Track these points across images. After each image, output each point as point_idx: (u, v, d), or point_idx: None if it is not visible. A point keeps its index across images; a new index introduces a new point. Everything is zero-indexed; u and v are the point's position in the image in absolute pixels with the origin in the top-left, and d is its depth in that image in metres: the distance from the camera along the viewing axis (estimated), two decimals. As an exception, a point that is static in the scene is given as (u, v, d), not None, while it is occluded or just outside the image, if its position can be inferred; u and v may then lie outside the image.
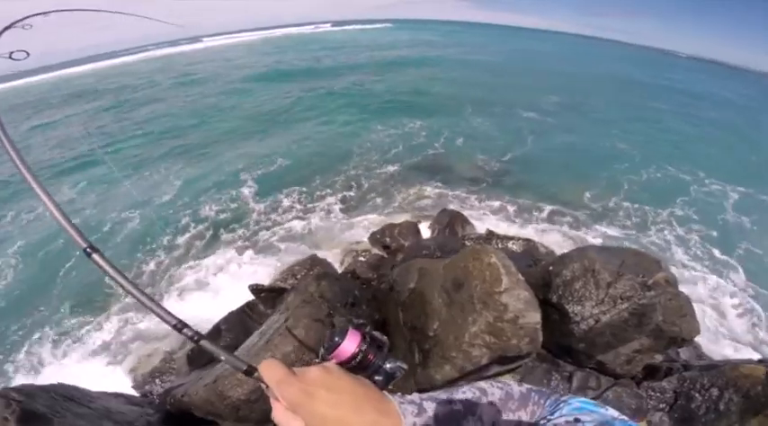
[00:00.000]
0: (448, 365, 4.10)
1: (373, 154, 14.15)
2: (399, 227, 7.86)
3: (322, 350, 0.75)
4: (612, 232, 10.27)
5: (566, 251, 6.14)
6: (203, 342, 0.74)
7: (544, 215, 10.46)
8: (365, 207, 10.37)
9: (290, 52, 47.35)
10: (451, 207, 9.42)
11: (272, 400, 0.68)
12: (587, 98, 26.13)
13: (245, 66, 38.31)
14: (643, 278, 4.48)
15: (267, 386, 0.69)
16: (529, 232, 9.21)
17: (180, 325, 0.73)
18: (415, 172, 12.48)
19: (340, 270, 7.12)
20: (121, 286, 0.69)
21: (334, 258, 7.49)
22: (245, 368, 0.71)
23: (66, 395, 2.91)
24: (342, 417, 0.61)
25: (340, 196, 11.09)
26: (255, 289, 6.35)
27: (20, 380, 6.62)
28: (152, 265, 9.09)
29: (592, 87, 31.29)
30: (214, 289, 7.83)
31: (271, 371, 0.68)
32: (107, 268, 0.70)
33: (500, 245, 7.63)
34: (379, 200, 10.63)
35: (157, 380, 5.39)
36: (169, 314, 0.73)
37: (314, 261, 6.99)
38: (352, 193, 11.18)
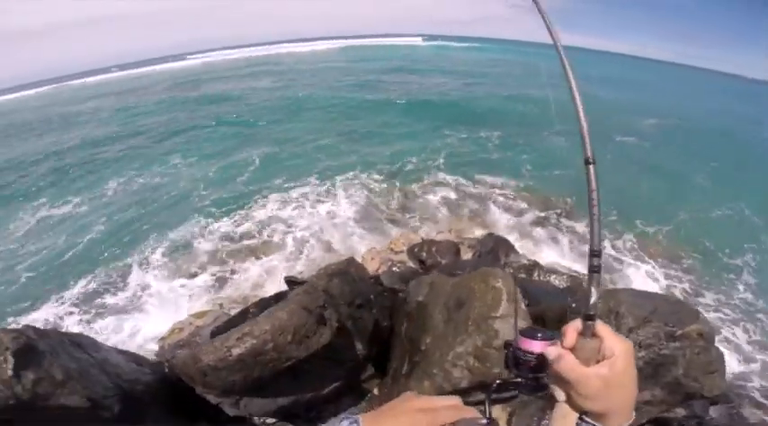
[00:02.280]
0: (428, 381, 4.13)
1: (438, 166, 14.27)
2: (438, 245, 7.91)
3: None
4: (667, 275, 9.15)
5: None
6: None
7: (609, 252, 9.66)
8: (414, 219, 10.59)
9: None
10: (502, 233, 9.17)
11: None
12: (686, 130, 23.28)
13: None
14: (672, 327, 4.08)
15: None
16: (579, 267, 8.62)
17: None
18: (475, 191, 12.34)
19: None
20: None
21: (371, 264, 7.80)
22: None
23: (75, 342, 3.44)
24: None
25: (394, 205, 11.49)
26: (289, 281, 6.90)
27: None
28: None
29: (692, 119, 27.65)
30: (259, 282, 8.61)
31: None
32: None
33: (541, 277, 7.32)
34: (430, 214, 10.77)
35: (177, 350, 6.05)
36: None
37: (349, 263, 7.33)
38: (408, 205, 11.48)
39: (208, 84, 39.50)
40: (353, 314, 4.91)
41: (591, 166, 0.81)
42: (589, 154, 0.81)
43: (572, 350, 0.77)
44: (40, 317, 8.20)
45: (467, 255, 8.08)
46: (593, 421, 0.76)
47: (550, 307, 5.39)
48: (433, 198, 11.88)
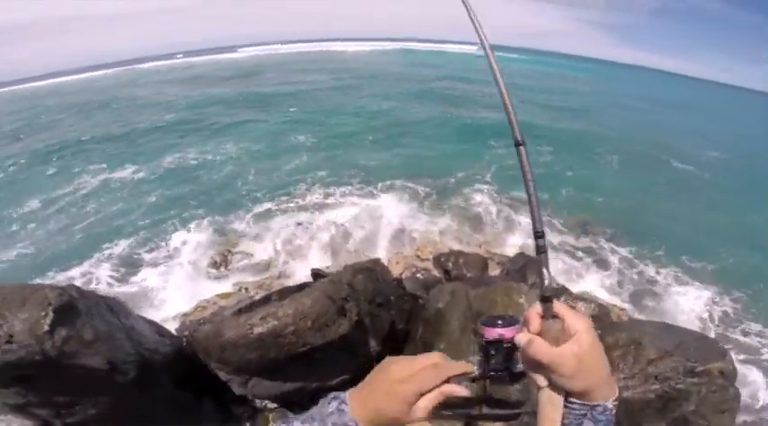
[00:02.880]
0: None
1: (483, 179, 14.01)
2: (466, 257, 7.84)
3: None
4: (709, 308, 8.65)
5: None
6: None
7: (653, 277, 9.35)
8: (447, 228, 10.49)
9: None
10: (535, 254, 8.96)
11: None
12: (752, 165, 21.86)
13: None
14: (693, 363, 3.91)
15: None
16: (614, 299, 8.32)
17: None
18: (515, 207, 12.08)
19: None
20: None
21: (396, 267, 7.84)
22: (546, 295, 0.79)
23: (110, 306, 3.59)
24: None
25: (431, 212, 11.44)
26: (315, 273, 7.04)
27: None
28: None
29: (761, 153, 25.90)
30: (287, 270, 8.82)
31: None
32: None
33: (569, 304, 7.13)
34: (465, 225, 10.60)
35: (200, 326, 6.27)
36: None
37: (375, 263, 7.41)
38: (445, 213, 11.39)
39: (261, 76, 41.16)
40: (373, 311, 4.96)
41: (521, 148, 0.83)
42: (519, 136, 0.83)
43: (539, 334, 0.77)
44: (82, 271, 8.85)
45: (494, 271, 7.98)
46: (580, 401, 0.75)
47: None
48: (472, 210, 11.73)
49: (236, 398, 4.19)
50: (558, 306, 0.78)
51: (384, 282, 5.75)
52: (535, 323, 0.78)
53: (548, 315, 0.77)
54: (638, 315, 7.85)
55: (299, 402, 4.63)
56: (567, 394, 0.76)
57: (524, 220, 11.11)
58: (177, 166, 15.82)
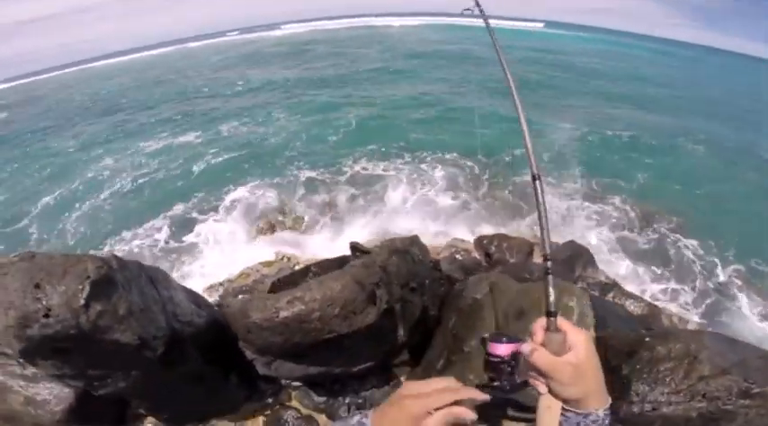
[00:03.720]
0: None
1: (541, 160, 13.22)
2: (510, 242, 7.44)
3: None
4: None
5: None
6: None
7: (720, 292, 8.42)
8: (496, 211, 10.06)
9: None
10: (586, 243, 8.39)
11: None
12: None
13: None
14: (751, 383, 3.47)
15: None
16: (672, 303, 7.66)
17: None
18: (574, 192, 11.34)
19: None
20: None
21: (434, 246, 7.62)
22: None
23: (151, 276, 3.62)
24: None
25: (481, 192, 11.01)
26: (354, 247, 6.98)
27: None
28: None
29: None
30: (330, 240, 8.89)
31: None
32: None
33: (616, 300, 6.66)
34: (514, 208, 10.11)
35: (234, 297, 6.41)
36: None
37: (412, 242, 7.23)
38: (496, 194, 10.94)
39: (309, 53, 41.87)
40: (405, 296, 4.81)
41: (537, 182, 0.96)
42: (535, 171, 0.95)
43: (542, 344, 0.87)
44: (137, 233, 9.49)
45: (539, 258, 7.57)
46: (574, 409, 0.83)
47: (617, 334, 4.87)
48: (523, 192, 11.11)
49: (261, 375, 4.28)
50: (562, 321, 0.89)
51: (420, 264, 5.56)
52: (539, 334, 0.90)
53: (551, 328, 0.88)
54: (696, 321, 7.21)
55: (322, 383, 4.69)
56: (564, 403, 0.85)
57: (582, 206, 10.42)
58: (232, 135, 16.99)
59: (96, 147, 17.44)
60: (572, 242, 7.78)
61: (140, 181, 13.21)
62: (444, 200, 10.36)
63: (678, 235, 9.66)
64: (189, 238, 9.29)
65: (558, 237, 9.01)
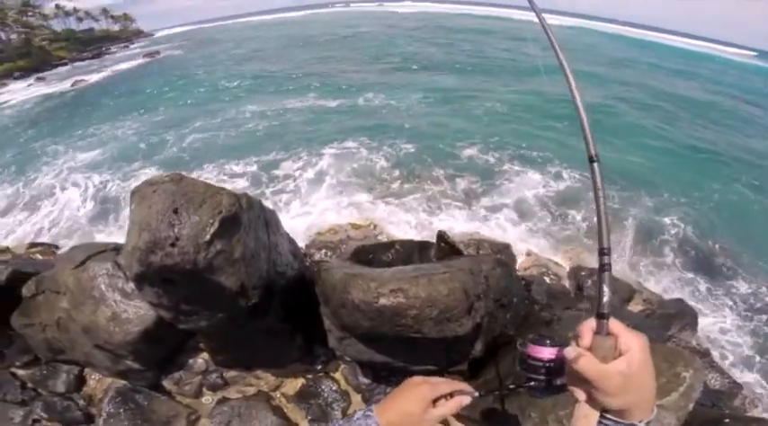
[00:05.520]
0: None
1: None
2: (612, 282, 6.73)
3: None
4: None
5: None
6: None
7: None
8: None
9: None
10: (692, 302, 7.38)
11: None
12: None
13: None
14: None
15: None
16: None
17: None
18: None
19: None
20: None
21: (524, 262, 7.11)
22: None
23: (267, 219, 3.64)
24: None
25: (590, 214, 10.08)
26: (441, 237, 6.69)
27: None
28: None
29: None
30: (419, 219, 8.71)
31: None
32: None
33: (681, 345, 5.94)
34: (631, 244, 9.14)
35: (326, 261, 6.36)
36: None
37: (506, 253, 6.86)
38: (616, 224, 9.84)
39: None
40: (494, 311, 4.53)
41: (595, 164, 0.81)
42: (593, 151, 0.81)
43: (589, 349, 0.75)
44: (253, 169, 10.26)
45: (637, 306, 6.81)
46: (614, 418, 0.75)
47: (696, 408, 4.30)
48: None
49: (321, 339, 4.24)
50: (614, 324, 0.76)
51: (515, 280, 5.25)
52: (587, 338, 0.77)
53: (602, 331, 0.76)
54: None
55: (377, 370, 4.59)
56: (603, 410, 0.77)
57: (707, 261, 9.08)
58: (364, 105, 18.48)
59: (241, 100, 20.23)
60: (681, 300, 6.89)
61: (272, 127, 15.24)
62: (546, 209, 9.58)
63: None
64: (291, 186, 9.80)
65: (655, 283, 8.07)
